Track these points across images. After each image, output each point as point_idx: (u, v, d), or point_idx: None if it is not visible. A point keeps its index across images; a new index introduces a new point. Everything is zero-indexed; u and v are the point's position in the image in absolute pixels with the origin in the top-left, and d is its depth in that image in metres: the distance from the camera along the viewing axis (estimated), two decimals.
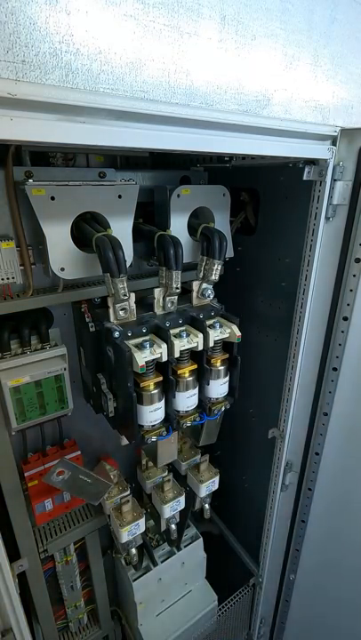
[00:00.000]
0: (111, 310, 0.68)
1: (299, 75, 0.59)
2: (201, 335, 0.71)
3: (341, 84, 0.65)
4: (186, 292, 0.80)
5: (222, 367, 0.78)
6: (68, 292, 0.72)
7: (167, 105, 0.47)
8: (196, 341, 0.71)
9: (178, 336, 0.71)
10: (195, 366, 0.74)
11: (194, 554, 1.12)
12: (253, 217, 0.99)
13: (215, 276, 0.76)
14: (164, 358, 0.68)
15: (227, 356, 0.78)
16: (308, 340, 0.81)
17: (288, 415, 0.90)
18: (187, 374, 0.73)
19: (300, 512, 1.00)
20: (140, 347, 0.66)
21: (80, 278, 0.68)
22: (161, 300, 0.74)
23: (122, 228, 0.70)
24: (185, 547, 1.11)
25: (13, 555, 0.79)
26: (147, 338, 0.69)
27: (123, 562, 1.07)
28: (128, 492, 0.91)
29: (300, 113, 0.61)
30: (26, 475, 0.83)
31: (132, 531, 0.89)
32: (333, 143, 0.67)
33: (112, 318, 0.69)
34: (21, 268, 0.66)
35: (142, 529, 0.91)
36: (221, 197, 0.82)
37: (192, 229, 0.80)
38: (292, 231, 0.88)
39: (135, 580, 1.03)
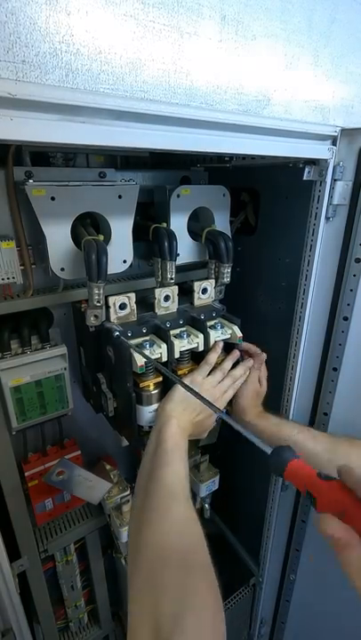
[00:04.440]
0: (112, 310, 0.68)
1: (299, 74, 0.59)
2: (202, 336, 0.71)
3: (341, 84, 0.65)
4: (187, 292, 0.80)
5: None
6: (68, 292, 0.72)
7: (167, 105, 0.47)
8: (197, 342, 0.71)
9: (178, 336, 0.71)
10: (195, 367, 0.74)
11: None
12: (253, 217, 0.99)
13: (227, 279, 0.79)
14: (164, 358, 0.68)
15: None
16: (308, 340, 0.81)
17: (288, 415, 0.89)
18: (187, 375, 0.73)
19: (300, 512, 1.00)
20: (140, 347, 0.66)
21: (80, 278, 0.68)
22: (162, 300, 0.74)
23: (122, 229, 0.70)
24: None
25: (13, 554, 0.80)
26: (147, 338, 0.69)
27: (123, 562, 1.07)
28: (128, 492, 0.91)
29: (300, 113, 0.61)
30: (26, 474, 0.84)
31: None
32: (334, 143, 0.67)
33: (112, 318, 0.69)
34: (21, 267, 0.66)
35: None
36: (221, 197, 0.82)
37: (192, 232, 0.80)
38: (292, 231, 0.88)
39: None
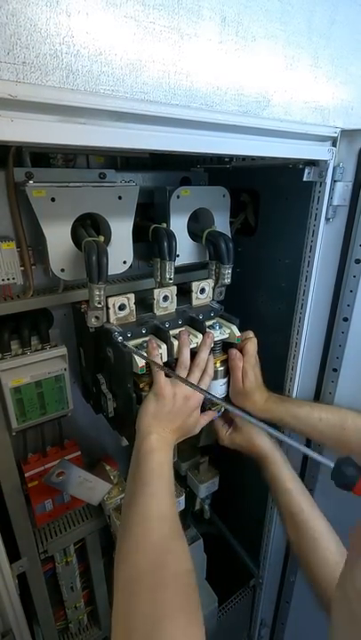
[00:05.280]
0: (111, 311, 0.68)
1: (299, 76, 0.59)
2: (200, 335, 0.71)
3: (341, 85, 0.65)
4: (185, 292, 0.80)
5: (222, 368, 0.78)
6: (69, 293, 0.72)
7: (167, 106, 0.48)
8: (196, 342, 0.71)
9: (177, 337, 0.71)
10: None
11: (194, 555, 1.12)
12: (253, 218, 0.99)
13: (228, 280, 0.79)
14: (164, 359, 0.68)
15: (226, 356, 0.78)
16: (308, 341, 0.81)
17: None
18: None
19: None
20: (140, 348, 0.66)
21: (80, 279, 0.68)
22: (160, 300, 0.74)
23: (122, 230, 0.70)
24: None
25: (13, 555, 0.79)
26: (146, 339, 0.69)
27: None
28: None
29: (300, 114, 0.61)
30: (26, 475, 0.83)
31: None
32: (333, 144, 0.67)
33: (111, 319, 0.69)
34: (22, 268, 0.66)
35: None
36: (221, 198, 0.82)
37: (192, 233, 0.80)
38: (292, 232, 0.88)
39: None
